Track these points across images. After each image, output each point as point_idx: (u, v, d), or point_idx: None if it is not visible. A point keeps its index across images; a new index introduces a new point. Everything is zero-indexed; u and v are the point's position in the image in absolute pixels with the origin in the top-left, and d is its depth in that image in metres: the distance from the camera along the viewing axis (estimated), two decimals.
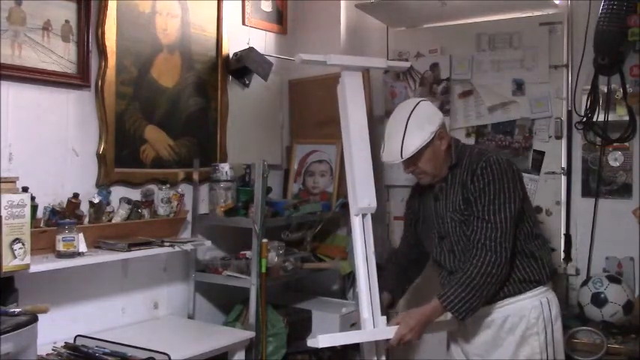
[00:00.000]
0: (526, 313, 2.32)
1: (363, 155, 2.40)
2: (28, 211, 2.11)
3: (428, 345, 3.51)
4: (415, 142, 2.30)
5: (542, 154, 3.26)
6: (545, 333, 2.32)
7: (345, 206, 2.60)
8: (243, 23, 3.36)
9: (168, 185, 2.86)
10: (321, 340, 2.18)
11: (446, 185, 2.40)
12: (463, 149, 2.41)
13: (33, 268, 2.15)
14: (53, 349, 2.31)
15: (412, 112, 2.34)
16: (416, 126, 2.31)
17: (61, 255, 2.31)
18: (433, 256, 2.51)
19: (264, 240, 2.83)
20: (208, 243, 2.93)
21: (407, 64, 3.15)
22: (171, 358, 2.29)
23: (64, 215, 2.42)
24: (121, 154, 2.72)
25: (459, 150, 2.40)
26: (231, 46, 3.25)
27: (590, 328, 2.82)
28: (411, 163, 2.35)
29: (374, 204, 2.39)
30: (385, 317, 2.35)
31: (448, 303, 2.23)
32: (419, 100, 2.44)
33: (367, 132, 2.43)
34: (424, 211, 2.52)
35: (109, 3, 2.62)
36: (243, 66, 3.21)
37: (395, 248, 2.74)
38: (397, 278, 2.64)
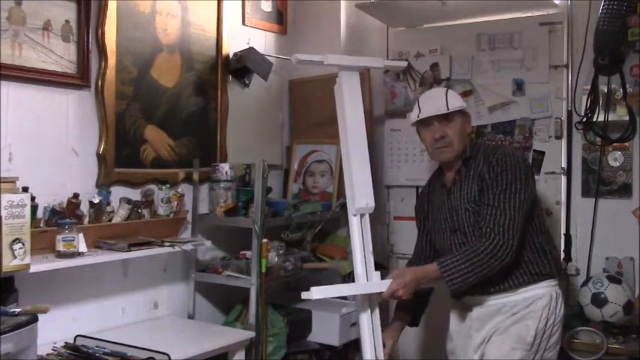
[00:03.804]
0: (534, 300, 2.35)
1: (361, 155, 2.40)
2: (28, 211, 2.11)
3: (431, 345, 3.52)
4: (458, 102, 2.47)
5: (542, 154, 3.26)
6: (547, 321, 2.34)
7: (345, 206, 2.60)
8: (243, 23, 3.36)
9: (168, 185, 2.85)
10: (315, 292, 2.20)
11: (460, 178, 2.46)
12: (477, 144, 2.52)
13: (33, 268, 2.15)
14: (53, 349, 2.31)
15: (447, 89, 2.58)
16: (454, 94, 2.52)
17: (61, 255, 2.30)
18: (443, 251, 2.51)
19: (264, 240, 2.83)
20: (208, 243, 2.93)
21: (404, 64, 3.16)
22: (171, 358, 2.29)
23: (64, 215, 2.42)
24: (121, 154, 2.72)
25: (473, 144, 2.50)
26: (231, 46, 3.24)
27: (590, 328, 2.82)
28: (445, 125, 2.43)
29: (372, 204, 2.39)
30: (379, 272, 2.37)
31: (446, 270, 2.26)
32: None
33: (365, 132, 2.43)
34: (434, 209, 2.57)
35: (109, 3, 2.62)
36: (243, 66, 3.20)
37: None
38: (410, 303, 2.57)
